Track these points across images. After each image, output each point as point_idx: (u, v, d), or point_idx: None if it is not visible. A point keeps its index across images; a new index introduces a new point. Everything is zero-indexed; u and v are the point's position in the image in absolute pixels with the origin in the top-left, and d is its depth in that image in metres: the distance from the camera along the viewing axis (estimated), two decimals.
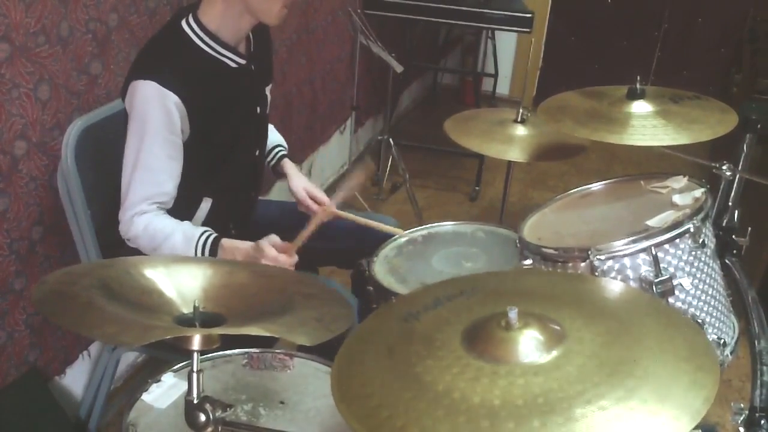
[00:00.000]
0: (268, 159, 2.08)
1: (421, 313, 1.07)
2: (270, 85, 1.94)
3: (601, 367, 0.90)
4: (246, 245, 1.69)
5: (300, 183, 2.00)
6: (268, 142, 2.06)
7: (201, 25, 1.67)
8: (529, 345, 0.93)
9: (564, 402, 0.84)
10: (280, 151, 2.08)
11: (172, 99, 1.59)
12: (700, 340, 0.97)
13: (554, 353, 0.92)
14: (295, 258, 1.70)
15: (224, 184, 1.83)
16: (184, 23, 1.67)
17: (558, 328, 0.97)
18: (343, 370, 0.99)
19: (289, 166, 2.05)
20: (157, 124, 1.60)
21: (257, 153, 1.92)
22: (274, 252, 1.66)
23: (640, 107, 1.73)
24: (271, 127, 2.07)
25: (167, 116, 1.60)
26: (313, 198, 1.97)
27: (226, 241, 1.69)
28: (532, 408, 0.84)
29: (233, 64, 1.73)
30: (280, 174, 2.07)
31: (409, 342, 1.01)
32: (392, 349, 1.00)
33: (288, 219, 2.09)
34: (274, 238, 1.69)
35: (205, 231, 1.70)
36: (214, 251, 1.67)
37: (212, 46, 1.68)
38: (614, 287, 1.19)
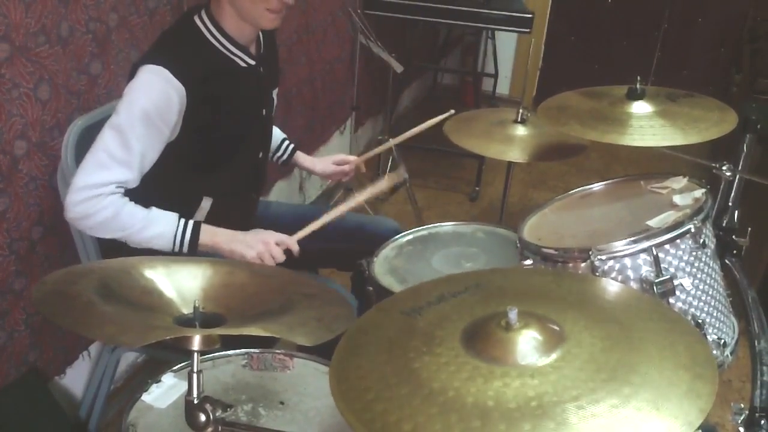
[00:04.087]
0: (279, 154, 2.13)
1: (424, 308, 1.07)
2: (276, 89, 1.95)
3: (598, 372, 0.89)
4: (230, 231, 1.72)
5: (324, 166, 2.15)
6: (273, 138, 2.08)
7: (214, 21, 1.67)
8: (527, 347, 0.93)
9: (557, 407, 0.84)
10: (291, 144, 2.15)
11: (178, 88, 1.58)
12: (701, 349, 0.96)
13: (552, 356, 0.92)
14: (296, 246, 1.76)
15: (226, 185, 1.83)
16: (196, 18, 1.68)
17: (558, 329, 0.97)
18: (343, 361, 0.99)
19: (303, 158, 2.17)
20: (152, 105, 1.57)
21: (260, 155, 1.92)
22: (281, 237, 1.73)
23: (641, 107, 1.73)
24: None
25: (166, 102, 1.58)
26: (340, 163, 2.13)
27: (206, 226, 1.71)
28: (524, 411, 0.84)
29: (243, 64, 1.73)
30: (293, 166, 2.20)
31: (409, 337, 1.01)
32: (392, 343, 1.00)
33: (288, 219, 2.09)
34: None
35: (182, 217, 1.68)
36: (196, 232, 1.67)
37: (223, 43, 1.69)
38: (619, 290, 1.18)
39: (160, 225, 1.64)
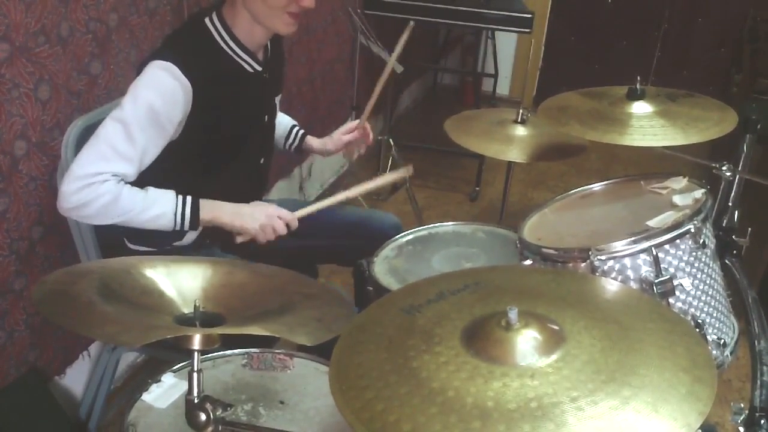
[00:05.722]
0: (290, 141, 2.11)
1: (423, 306, 1.07)
2: (279, 95, 1.95)
3: (597, 374, 0.89)
4: (232, 204, 1.72)
5: (335, 142, 2.10)
6: (282, 125, 2.08)
7: (224, 25, 1.67)
8: (527, 347, 0.93)
9: (557, 408, 0.84)
10: (300, 130, 2.13)
11: (185, 85, 1.57)
12: (701, 351, 0.96)
13: (552, 356, 0.92)
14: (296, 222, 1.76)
15: (226, 190, 1.82)
16: (207, 20, 1.68)
17: (558, 329, 0.97)
18: (342, 360, 0.99)
19: (314, 141, 2.13)
20: (159, 100, 1.56)
21: (262, 161, 1.92)
22: (283, 212, 1.73)
23: (641, 107, 1.73)
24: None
25: (173, 98, 1.57)
26: (349, 131, 2.09)
27: (205, 201, 1.70)
28: (524, 412, 0.83)
29: (249, 69, 1.73)
30: (306, 154, 2.16)
31: (409, 335, 1.00)
32: (392, 341, 1.00)
33: None
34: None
35: (179, 194, 1.66)
36: (195, 207, 1.66)
37: (232, 47, 1.69)
38: (620, 290, 1.18)
39: (160, 205, 1.63)
